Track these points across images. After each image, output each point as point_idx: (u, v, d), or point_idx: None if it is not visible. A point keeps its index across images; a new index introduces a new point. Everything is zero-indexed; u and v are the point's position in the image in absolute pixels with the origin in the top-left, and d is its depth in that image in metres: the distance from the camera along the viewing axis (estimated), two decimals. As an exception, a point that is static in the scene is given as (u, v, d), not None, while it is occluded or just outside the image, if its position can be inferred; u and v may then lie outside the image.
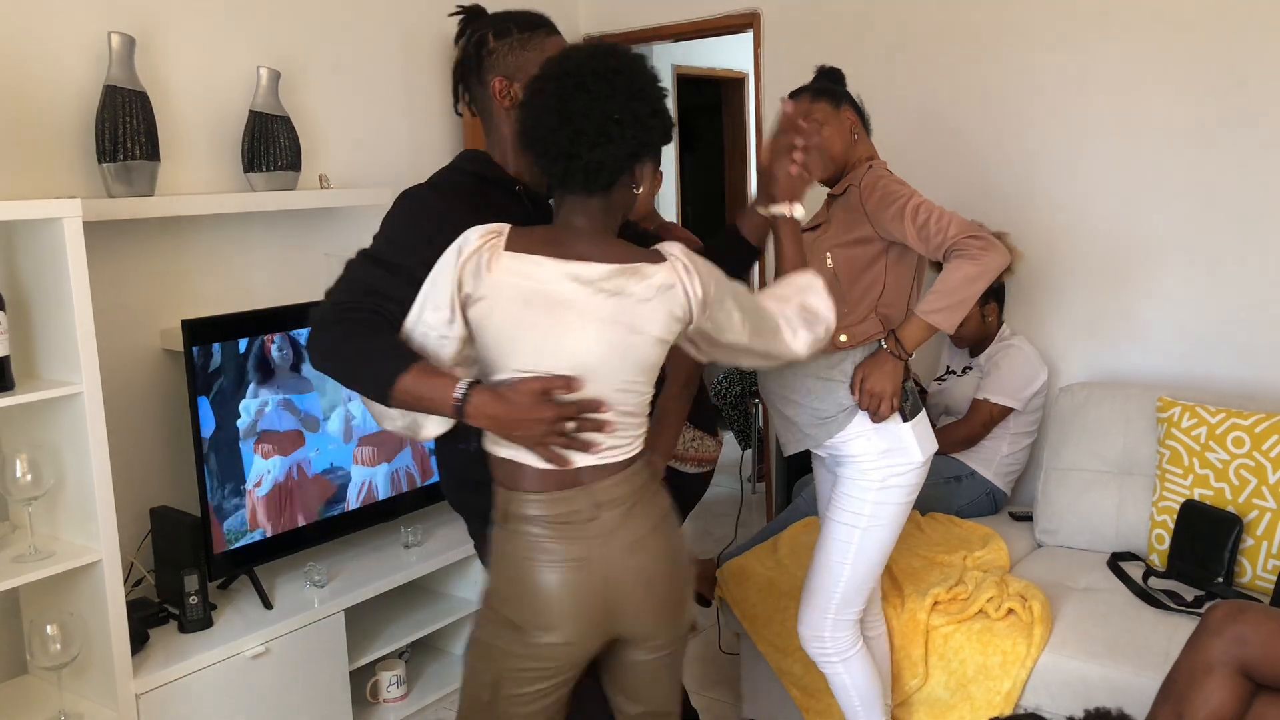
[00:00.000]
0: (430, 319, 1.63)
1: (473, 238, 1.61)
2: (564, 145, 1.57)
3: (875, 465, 2.22)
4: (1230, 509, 2.62)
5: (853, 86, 2.42)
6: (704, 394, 2.72)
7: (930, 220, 2.12)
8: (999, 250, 2.11)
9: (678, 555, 1.75)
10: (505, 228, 1.63)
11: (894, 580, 2.67)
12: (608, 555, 1.65)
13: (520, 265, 1.60)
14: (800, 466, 3.21)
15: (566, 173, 1.60)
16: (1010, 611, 2.52)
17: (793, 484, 3.51)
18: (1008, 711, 2.40)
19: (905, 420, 2.24)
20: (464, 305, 1.62)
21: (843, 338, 2.20)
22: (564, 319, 1.59)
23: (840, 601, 2.29)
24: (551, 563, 1.64)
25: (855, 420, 2.22)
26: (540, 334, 1.59)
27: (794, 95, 2.29)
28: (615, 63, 1.59)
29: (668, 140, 1.66)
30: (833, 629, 2.31)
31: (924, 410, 2.32)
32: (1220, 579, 2.56)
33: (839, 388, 2.22)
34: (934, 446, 2.30)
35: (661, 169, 1.96)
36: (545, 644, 1.66)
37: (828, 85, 2.37)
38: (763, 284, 3.27)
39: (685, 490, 2.68)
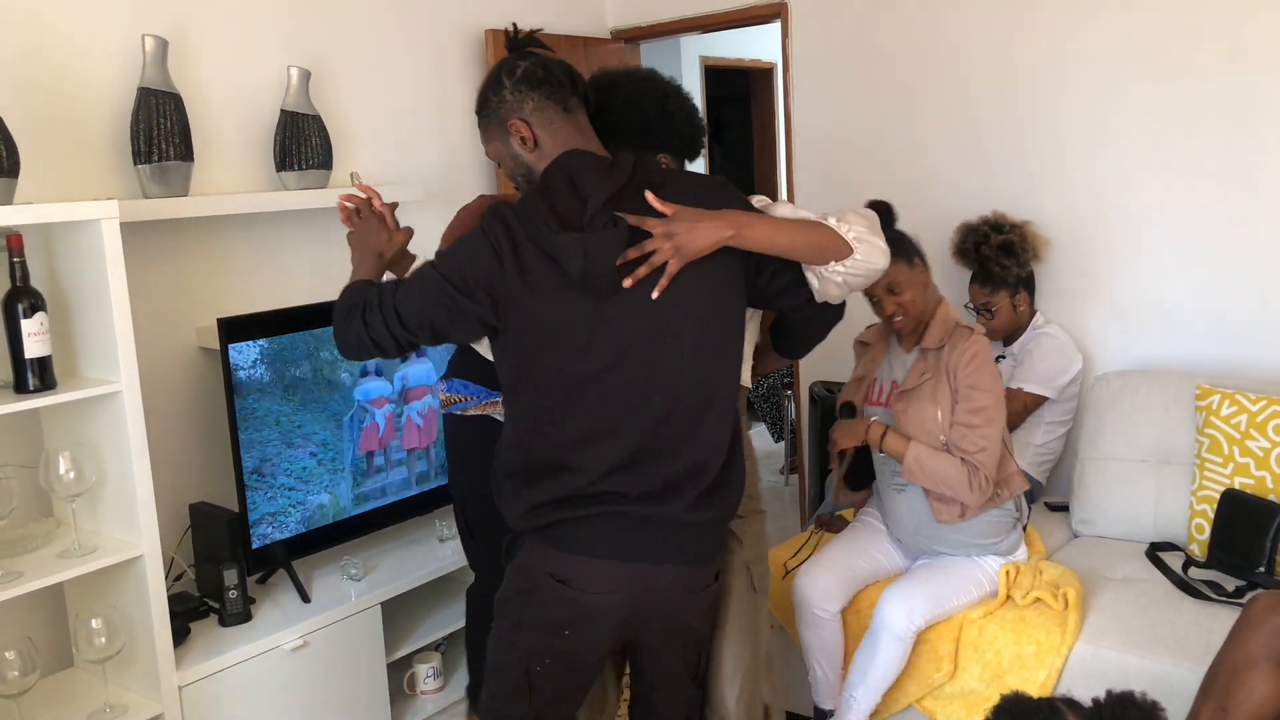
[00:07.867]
0: None
1: None
2: None
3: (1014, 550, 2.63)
4: (1272, 498, 2.58)
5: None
6: None
7: (979, 428, 2.41)
8: (981, 496, 2.43)
9: None
10: None
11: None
12: None
13: None
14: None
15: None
16: (1037, 600, 2.51)
17: (825, 477, 3.49)
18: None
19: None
20: None
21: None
22: None
23: (939, 612, 2.53)
24: None
25: (1018, 529, 2.62)
26: None
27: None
28: None
29: None
30: (921, 619, 2.51)
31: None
32: (1262, 569, 2.52)
33: (1003, 512, 2.57)
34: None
35: None
36: None
37: (898, 237, 2.38)
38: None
39: None
